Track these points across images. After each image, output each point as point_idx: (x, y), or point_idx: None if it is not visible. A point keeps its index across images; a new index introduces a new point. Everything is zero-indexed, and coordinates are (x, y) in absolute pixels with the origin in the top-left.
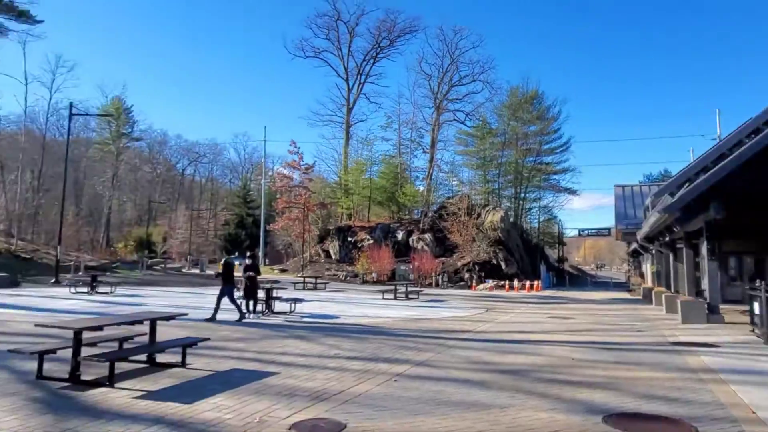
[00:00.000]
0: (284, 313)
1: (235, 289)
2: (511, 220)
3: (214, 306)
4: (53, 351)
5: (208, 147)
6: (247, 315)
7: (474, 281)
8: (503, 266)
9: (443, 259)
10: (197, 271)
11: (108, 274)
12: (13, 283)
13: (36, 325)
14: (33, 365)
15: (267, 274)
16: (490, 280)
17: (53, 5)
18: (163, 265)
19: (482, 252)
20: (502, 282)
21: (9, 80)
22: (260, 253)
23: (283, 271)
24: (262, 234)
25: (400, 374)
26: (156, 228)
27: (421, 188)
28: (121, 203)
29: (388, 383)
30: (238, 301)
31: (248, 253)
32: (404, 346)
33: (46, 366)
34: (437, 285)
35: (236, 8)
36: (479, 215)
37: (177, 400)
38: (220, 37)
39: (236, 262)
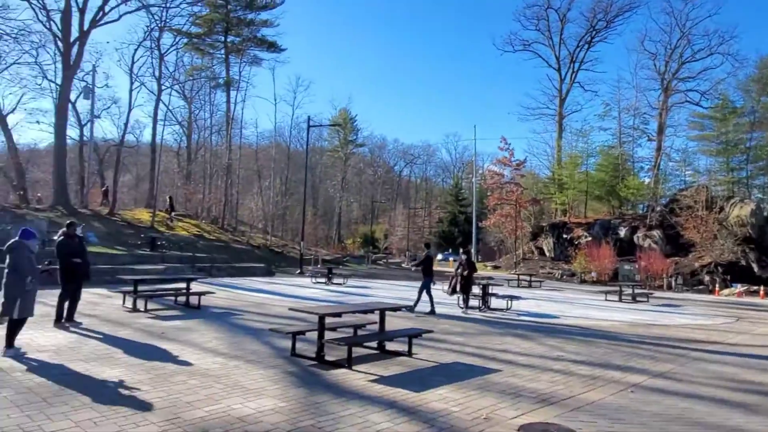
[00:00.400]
0: (500, 309)
1: (432, 284)
2: (765, 213)
3: (428, 300)
4: (303, 333)
5: (422, 148)
6: (464, 310)
7: (717, 285)
8: (755, 268)
9: (676, 258)
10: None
11: (340, 267)
12: (269, 273)
13: (289, 309)
14: (287, 343)
15: (480, 270)
16: (739, 285)
17: (293, 33)
18: (385, 260)
19: (727, 251)
20: (755, 287)
21: (263, 102)
22: (473, 250)
23: (495, 267)
24: (474, 231)
25: (636, 385)
26: (378, 226)
27: (647, 180)
28: (348, 204)
29: (622, 393)
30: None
31: (461, 250)
32: (636, 353)
33: (297, 345)
34: (669, 288)
35: (445, 11)
36: (722, 209)
37: (406, 387)
38: (432, 42)
39: (451, 258)
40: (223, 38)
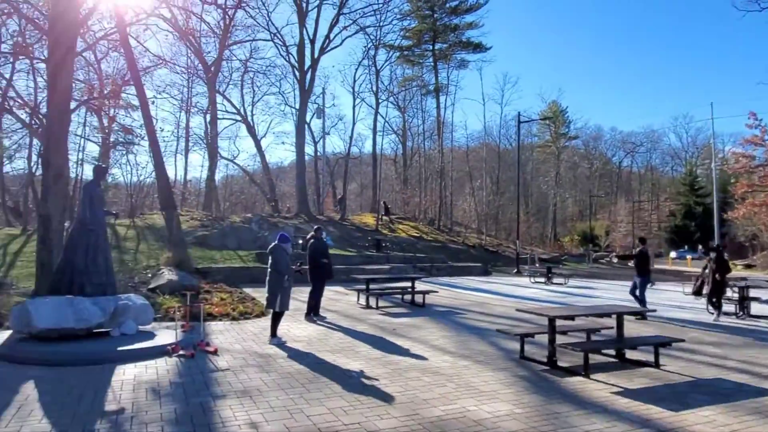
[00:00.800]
0: (765, 317)
1: (650, 284)
2: None
3: (645, 300)
4: (531, 335)
5: (644, 135)
6: (716, 317)
7: None
8: None
9: None
10: None
11: (559, 266)
12: (485, 272)
13: (517, 310)
14: (515, 345)
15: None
16: None
17: (497, 30)
18: (608, 258)
19: None
20: None
21: (471, 103)
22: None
23: (748, 266)
24: (716, 224)
25: None
26: (597, 222)
27: None
28: (563, 200)
29: None
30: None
31: (700, 247)
32: None
33: (525, 347)
34: None
35: None
36: None
37: (660, 404)
38: (651, 19)
39: (688, 256)
40: (431, 47)
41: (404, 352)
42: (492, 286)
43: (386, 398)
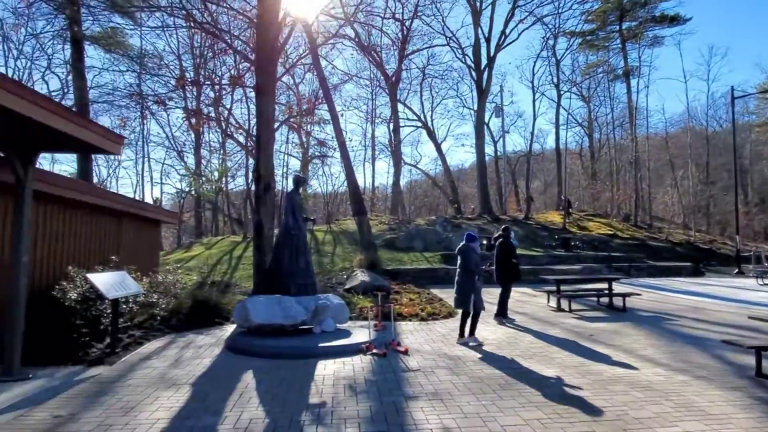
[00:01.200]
0: None
1: None
2: None
3: None
4: None
5: None
6: None
7: None
8: None
9: None
10: None
11: None
12: (696, 272)
13: (749, 318)
14: (746, 359)
15: None
16: None
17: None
18: None
19: None
20: None
21: (669, 84)
22: None
23: None
24: None
25: None
26: None
27: None
28: None
29: None
30: None
31: None
32: None
33: (762, 363)
34: None
35: None
36: None
37: None
38: None
39: None
40: (617, 27)
41: (606, 361)
42: (707, 289)
43: (590, 412)
